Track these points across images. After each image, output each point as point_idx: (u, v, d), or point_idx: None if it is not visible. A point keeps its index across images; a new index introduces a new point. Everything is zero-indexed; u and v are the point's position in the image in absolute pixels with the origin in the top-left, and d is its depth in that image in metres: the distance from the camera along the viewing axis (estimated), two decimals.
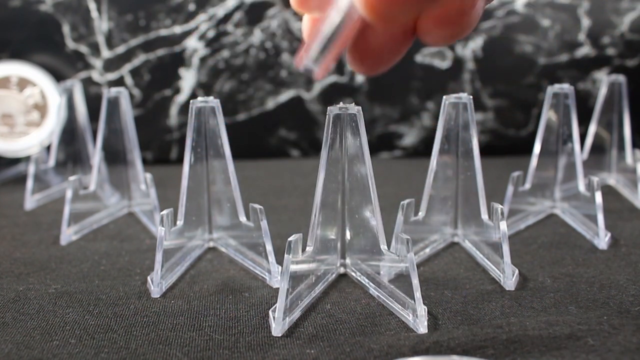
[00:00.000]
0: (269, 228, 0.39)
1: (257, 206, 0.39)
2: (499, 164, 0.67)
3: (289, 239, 0.33)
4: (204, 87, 0.77)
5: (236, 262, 0.42)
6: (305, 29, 0.24)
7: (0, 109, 0.66)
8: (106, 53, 0.76)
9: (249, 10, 0.75)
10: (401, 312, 0.33)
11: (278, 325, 0.32)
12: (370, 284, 0.36)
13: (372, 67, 0.24)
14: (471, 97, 0.41)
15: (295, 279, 0.34)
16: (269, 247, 0.39)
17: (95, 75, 0.77)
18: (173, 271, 0.39)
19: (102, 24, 0.76)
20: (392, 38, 0.23)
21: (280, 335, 0.31)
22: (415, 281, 0.32)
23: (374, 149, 0.77)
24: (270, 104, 0.78)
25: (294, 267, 0.33)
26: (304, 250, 0.35)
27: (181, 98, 0.78)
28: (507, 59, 0.76)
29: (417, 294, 0.32)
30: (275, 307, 0.32)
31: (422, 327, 0.31)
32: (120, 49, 0.76)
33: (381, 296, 0.35)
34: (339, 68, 0.77)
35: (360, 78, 0.77)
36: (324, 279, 0.37)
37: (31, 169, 0.58)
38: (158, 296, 0.37)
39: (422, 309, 0.31)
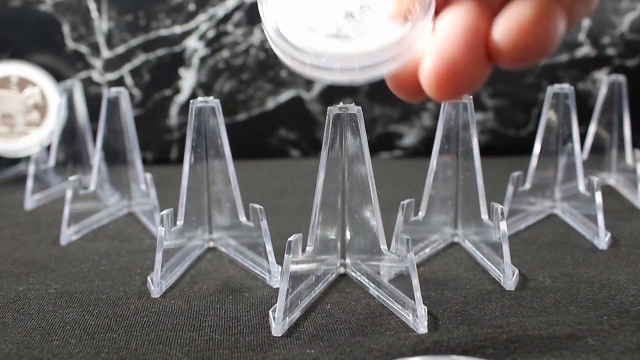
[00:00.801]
0: (269, 228, 0.39)
1: (257, 206, 0.39)
2: (499, 164, 0.67)
3: (289, 239, 0.33)
4: (204, 87, 0.77)
5: (236, 262, 0.42)
6: None
7: (0, 109, 0.66)
8: (106, 53, 0.76)
9: (249, 10, 0.75)
10: (401, 312, 0.33)
11: (278, 325, 0.32)
12: (370, 284, 0.36)
13: (451, 94, 0.24)
14: (471, 97, 0.41)
15: (295, 279, 0.34)
16: (269, 247, 0.39)
17: (95, 75, 0.77)
18: (173, 271, 0.39)
19: (102, 24, 0.76)
20: (470, 66, 0.23)
21: (280, 335, 0.31)
22: (416, 281, 0.32)
23: (374, 149, 0.77)
24: (270, 104, 0.78)
25: (294, 267, 0.33)
26: (304, 250, 0.35)
27: (181, 98, 0.78)
28: None
29: (417, 294, 0.32)
30: (275, 307, 0.32)
31: (422, 327, 0.31)
32: (120, 49, 0.76)
33: (381, 296, 0.35)
34: None
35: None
36: (324, 279, 0.37)
37: (31, 169, 0.58)
38: (158, 296, 0.37)
39: (422, 309, 0.31)
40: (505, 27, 0.22)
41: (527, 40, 0.22)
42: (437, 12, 0.25)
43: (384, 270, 0.36)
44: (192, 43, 0.76)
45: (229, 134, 0.42)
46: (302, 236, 0.34)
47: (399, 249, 0.33)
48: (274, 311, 0.32)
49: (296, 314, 0.33)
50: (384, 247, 0.35)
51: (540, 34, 0.22)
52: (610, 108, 0.59)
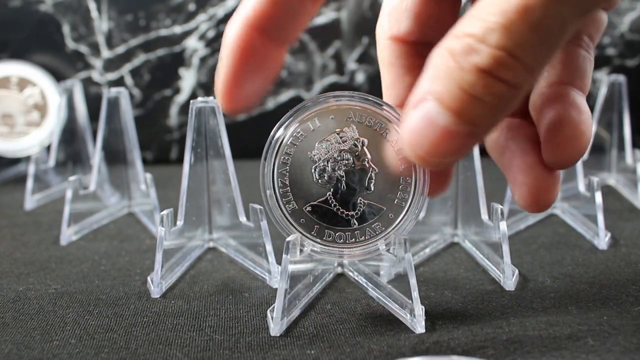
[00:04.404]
0: (269, 228, 0.39)
1: (257, 206, 0.39)
2: None
3: (287, 239, 0.32)
4: (204, 87, 0.77)
5: (236, 262, 0.42)
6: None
7: (0, 109, 0.66)
8: (106, 53, 0.76)
9: None
10: (399, 313, 0.33)
11: (276, 325, 0.31)
12: (368, 284, 0.36)
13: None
14: None
15: (293, 279, 0.34)
16: (269, 248, 0.39)
17: (95, 75, 0.77)
18: (173, 271, 0.39)
19: (102, 24, 0.76)
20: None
21: (278, 335, 0.31)
22: (413, 281, 0.32)
23: None
24: (270, 104, 0.78)
25: (291, 267, 0.33)
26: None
27: (181, 98, 0.78)
28: None
29: (415, 294, 0.32)
30: (273, 307, 0.32)
31: (419, 327, 0.31)
32: (120, 49, 0.76)
33: (379, 297, 0.35)
34: (339, 68, 0.77)
35: (360, 78, 0.77)
36: (321, 279, 0.37)
37: (31, 169, 0.58)
38: (158, 296, 0.37)
39: (419, 309, 0.31)
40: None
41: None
42: None
43: (385, 270, 0.36)
44: (192, 43, 0.76)
45: (229, 134, 0.42)
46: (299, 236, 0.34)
47: (396, 250, 0.33)
48: (272, 311, 0.32)
49: (294, 314, 0.33)
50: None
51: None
52: (610, 108, 0.59)
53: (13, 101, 0.66)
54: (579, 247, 0.43)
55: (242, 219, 0.42)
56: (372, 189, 0.31)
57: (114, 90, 0.52)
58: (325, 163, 0.31)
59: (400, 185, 0.31)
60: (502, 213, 0.37)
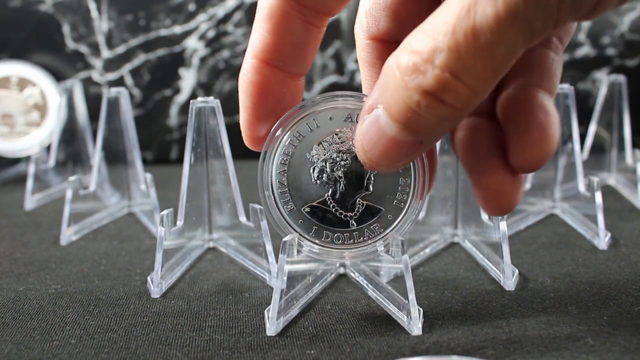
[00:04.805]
0: (269, 228, 0.39)
1: (257, 206, 0.39)
2: None
3: (284, 239, 0.32)
4: (204, 87, 0.77)
5: (236, 262, 0.42)
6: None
7: (0, 109, 0.66)
8: (106, 53, 0.76)
9: (249, 10, 0.75)
10: (396, 314, 0.33)
11: (272, 325, 0.31)
12: (369, 285, 0.36)
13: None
14: None
15: (291, 279, 0.34)
16: (269, 247, 0.39)
17: (95, 75, 0.77)
18: (173, 271, 0.39)
19: (102, 24, 0.76)
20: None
21: (274, 335, 0.31)
22: (410, 283, 0.31)
23: None
24: None
25: (288, 267, 0.33)
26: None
27: (181, 98, 0.78)
28: None
29: (412, 296, 0.31)
30: (269, 308, 0.32)
31: (416, 329, 0.31)
32: (120, 49, 0.76)
33: (378, 297, 0.35)
34: (339, 68, 0.77)
35: (360, 78, 0.77)
36: (322, 279, 0.37)
37: (31, 169, 0.58)
38: (158, 296, 0.37)
39: (415, 311, 0.31)
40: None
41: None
42: None
43: (384, 270, 0.36)
44: (192, 43, 0.76)
45: (229, 134, 0.42)
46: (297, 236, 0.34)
47: (393, 251, 0.33)
48: (268, 311, 0.32)
49: (292, 313, 0.33)
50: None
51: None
52: (610, 108, 0.59)
53: (13, 101, 0.66)
54: (579, 247, 0.43)
55: (242, 219, 0.42)
56: (371, 189, 0.31)
57: (114, 90, 0.52)
58: (324, 164, 0.30)
59: (399, 187, 0.31)
60: None
